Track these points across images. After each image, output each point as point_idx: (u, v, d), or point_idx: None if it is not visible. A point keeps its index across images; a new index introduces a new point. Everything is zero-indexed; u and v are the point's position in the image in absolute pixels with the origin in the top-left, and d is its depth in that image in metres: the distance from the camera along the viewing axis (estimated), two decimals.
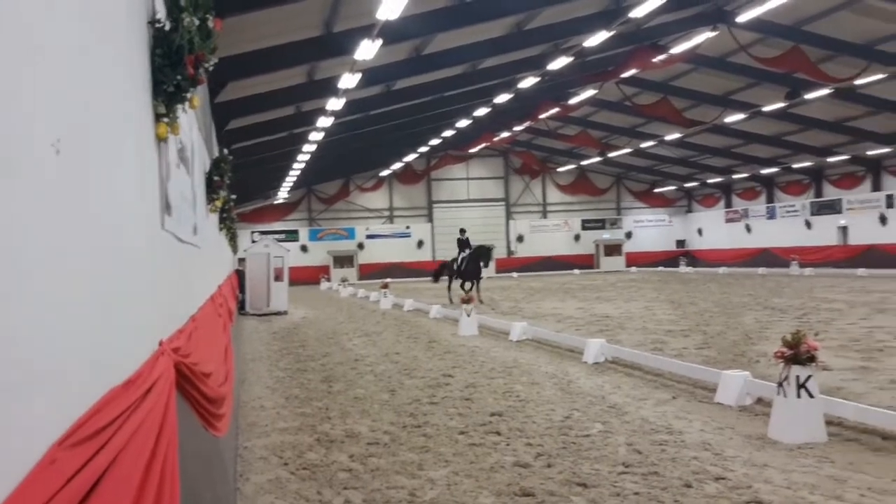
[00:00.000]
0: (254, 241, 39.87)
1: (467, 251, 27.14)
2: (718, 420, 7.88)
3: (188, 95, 3.36)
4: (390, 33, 17.89)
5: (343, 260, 54.29)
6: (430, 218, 57.81)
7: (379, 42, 17.66)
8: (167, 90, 3.18)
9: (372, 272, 52.79)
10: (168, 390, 2.56)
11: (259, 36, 17.06)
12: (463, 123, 36.88)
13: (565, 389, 9.88)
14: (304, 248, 54.47)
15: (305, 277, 49.69)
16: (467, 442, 7.34)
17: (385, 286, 28.99)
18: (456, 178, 57.96)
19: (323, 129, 26.62)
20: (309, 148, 30.51)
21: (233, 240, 20.79)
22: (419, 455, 6.94)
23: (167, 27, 3.22)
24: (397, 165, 51.37)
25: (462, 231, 29.19)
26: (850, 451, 6.59)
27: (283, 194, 47.90)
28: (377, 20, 16.16)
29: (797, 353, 6.97)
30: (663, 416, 8.12)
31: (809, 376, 6.98)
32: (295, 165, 35.91)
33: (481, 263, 26.53)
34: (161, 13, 3.30)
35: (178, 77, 3.19)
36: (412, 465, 6.62)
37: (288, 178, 41.27)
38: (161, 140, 3.37)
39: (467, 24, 21.43)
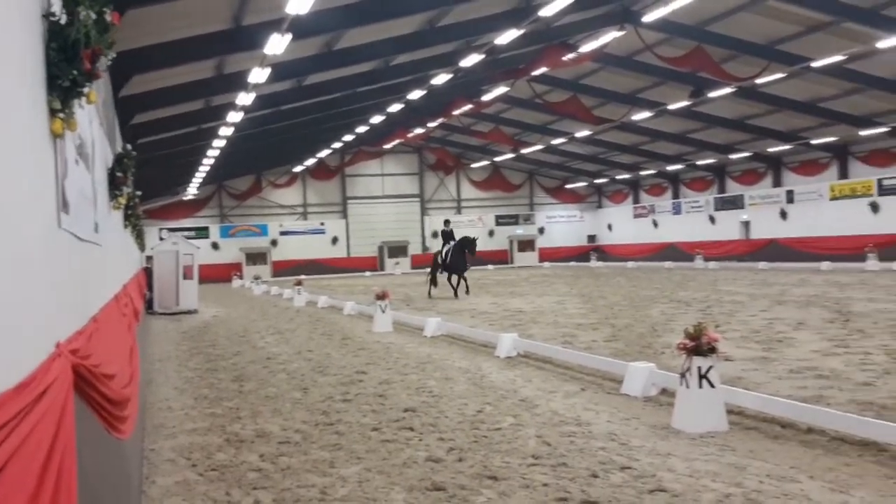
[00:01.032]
0: (162, 239, 38.92)
1: (452, 243, 26.53)
2: (625, 411, 8.09)
3: (85, 90, 3.27)
4: (301, 28, 17.71)
5: (256, 257, 53.48)
6: (344, 214, 57.47)
7: (289, 36, 17.46)
8: (62, 85, 3.09)
9: (286, 269, 52.15)
10: (65, 393, 2.50)
11: (165, 29, 16.66)
12: (377, 119, 36.77)
13: (478, 384, 9.98)
14: (215, 246, 53.43)
15: (217, 275, 48.75)
16: (380, 438, 7.35)
17: (299, 283, 28.70)
18: (370, 174, 57.77)
19: (233, 123, 26.16)
20: (219, 143, 29.95)
21: (140, 237, 20.24)
22: (331, 453, 6.92)
23: (62, 21, 3.13)
24: (311, 161, 50.88)
25: (446, 222, 28.82)
26: (750, 439, 6.85)
27: (192, 190, 46.85)
28: (287, 14, 15.97)
29: (699, 345, 7.20)
30: (572, 408, 8.30)
31: (710, 367, 7.22)
32: (204, 161, 35.19)
33: (467, 253, 25.95)
34: (56, 6, 3.20)
35: (74, 72, 3.10)
36: (324, 464, 6.59)
37: (198, 174, 40.42)
38: (57, 136, 3.27)
39: (379, 21, 21.37)
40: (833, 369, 9.74)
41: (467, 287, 26.49)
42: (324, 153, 48.59)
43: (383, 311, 17.05)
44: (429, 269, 28.34)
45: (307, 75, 26.27)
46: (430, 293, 26.94)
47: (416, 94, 31.09)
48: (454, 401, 8.95)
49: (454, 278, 26.38)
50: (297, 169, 53.25)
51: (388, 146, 50.28)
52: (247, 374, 11.73)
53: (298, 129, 36.35)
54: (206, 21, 17.65)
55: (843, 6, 25.09)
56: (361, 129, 39.70)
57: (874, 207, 38.34)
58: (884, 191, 38.24)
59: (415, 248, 58.02)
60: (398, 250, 56.62)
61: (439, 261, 26.80)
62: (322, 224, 56.65)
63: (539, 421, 7.76)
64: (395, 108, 33.81)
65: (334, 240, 56.61)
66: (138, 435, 6.67)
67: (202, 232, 53.09)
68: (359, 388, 10.02)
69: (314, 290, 30.71)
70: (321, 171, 54.21)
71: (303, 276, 34.33)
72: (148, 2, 14.20)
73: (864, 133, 37.07)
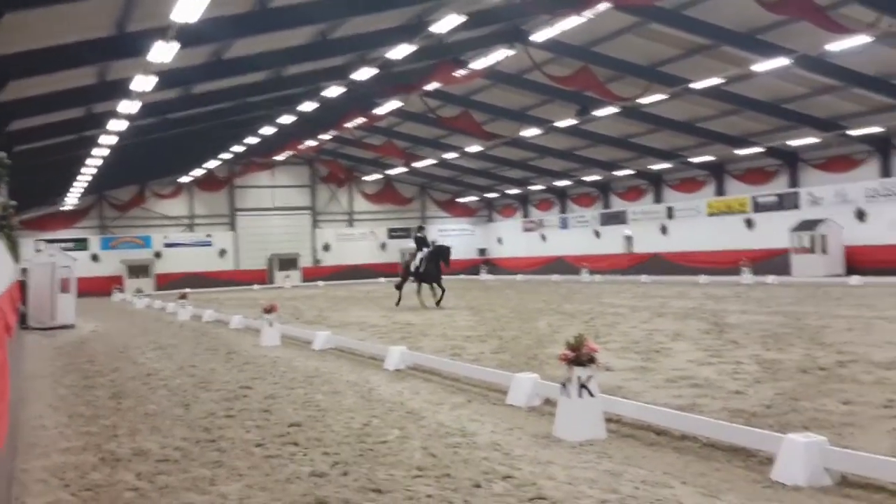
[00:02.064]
0: (38, 251, 37.25)
1: (425, 250, 25.48)
2: (509, 421, 8.23)
3: None
4: (189, 36, 17.36)
5: (138, 270, 51.82)
6: (232, 226, 56.41)
7: (175, 44, 17.07)
8: None
9: (170, 282, 50.66)
10: None
11: (44, 33, 16.06)
12: (267, 131, 36.32)
13: (366, 397, 9.96)
14: (94, 258, 51.53)
15: (97, 289, 46.92)
16: (263, 454, 7.24)
17: (183, 296, 27.94)
18: (261, 185, 56.95)
19: (116, 132, 25.36)
20: (100, 152, 28.99)
21: (13, 249, 19.32)
22: (212, 470, 6.76)
23: None
24: (198, 172, 49.73)
25: (420, 228, 27.91)
26: (627, 447, 7.07)
27: (72, 200, 45.07)
28: (173, 22, 15.62)
29: (579, 356, 7.39)
30: (458, 420, 8.38)
31: (590, 377, 7.42)
32: (85, 170, 33.97)
33: (441, 263, 25.16)
34: None
35: None
36: (204, 481, 6.44)
37: (77, 184, 38.93)
38: None
39: (269, 31, 21.17)
40: (707, 378, 10.15)
41: (441, 297, 25.26)
42: (212, 164, 47.59)
43: (271, 325, 16.79)
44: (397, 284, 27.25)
45: (195, 84, 25.75)
46: (398, 302, 26.29)
47: (308, 106, 30.89)
48: (341, 414, 8.90)
49: (424, 287, 25.49)
50: (184, 179, 51.96)
51: (279, 158, 49.69)
52: (125, 390, 11.34)
53: (186, 139, 35.55)
54: (88, 26, 17.10)
55: (721, 30, 26.35)
56: (252, 140, 39.13)
57: (749, 223, 40.27)
58: (758, 207, 40.23)
59: (305, 261, 57.49)
60: (288, 263, 55.96)
61: (411, 269, 25.74)
62: (209, 236, 55.43)
63: (425, 433, 7.81)
64: (287, 119, 33.48)
65: (222, 252, 55.47)
66: (9, 454, 6.37)
67: (81, 244, 51.14)
68: (243, 404, 9.83)
69: (200, 304, 29.95)
70: (209, 182, 53.10)
71: (188, 290, 33.45)
72: (26, 5, 13.65)
73: (739, 152, 38.93)
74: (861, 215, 34.74)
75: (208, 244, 55.31)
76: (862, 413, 7.78)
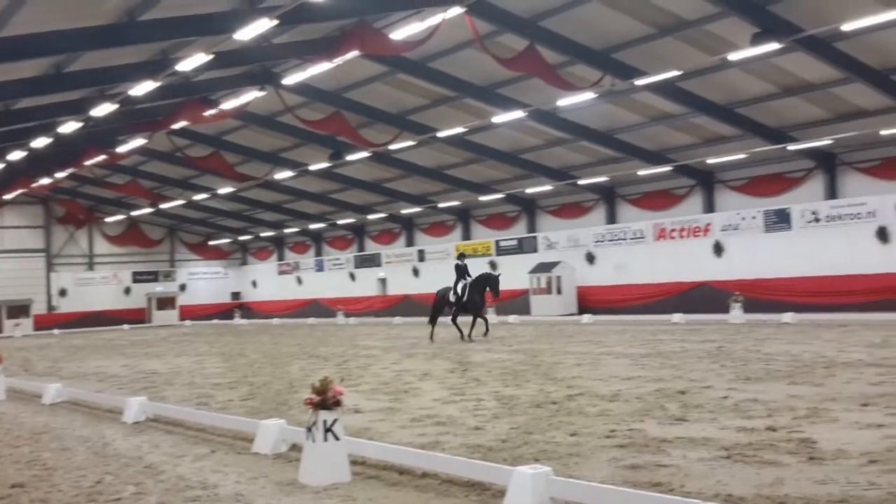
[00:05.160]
0: None
1: (468, 279, 23.77)
2: (254, 470, 8.08)
3: None
4: None
5: None
6: None
7: None
8: None
9: None
10: None
11: None
12: None
13: (99, 453, 9.37)
14: None
15: None
16: None
17: None
18: None
19: None
20: None
21: None
22: None
23: None
24: None
25: (461, 256, 25.44)
26: (371, 488, 7.18)
27: None
28: None
29: (324, 399, 7.45)
30: (200, 472, 8.10)
31: (336, 420, 7.49)
32: None
33: (487, 293, 23.51)
34: None
35: None
36: None
37: None
38: None
39: None
40: (450, 416, 10.55)
41: (487, 328, 23.92)
42: None
43: None
44: (431, 314, 25.18)
45: None
46: (431, 336, 24.47)
47: (41, 142, 28.78)
48: (70, 473, 8.30)
49: (460, 319, 24.12)
50: None
51: (8, 196, 45.66)
52: None
53: None
54: None
55: (464, 83, 27.85)
56: None
57: (493, 266, 42.41)
58: (500, 251, 42.53)
59: (39, 307, 53.00)
60: (19, 310, 51.34)
61: (451, 298, 23.96)
62: None
63: (163, 487, 7.48)
64: (17, 155, 30.97)
65: None
66: None
67: None
68: None
69: None
70: None
71: None
72: None
73: (483, 198, 41.08)
74: (591, 258, 37.78)
75: None
76: (586, 443, 8.41)
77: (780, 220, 31.19)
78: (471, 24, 20.51)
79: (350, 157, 35.26)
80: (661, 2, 21.86)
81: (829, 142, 28.39)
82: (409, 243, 49.02)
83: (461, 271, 24.34)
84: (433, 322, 24.91)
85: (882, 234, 28.24)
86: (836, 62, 23.10)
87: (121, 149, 34.12)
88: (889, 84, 24.13)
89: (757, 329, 23.33)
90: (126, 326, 50.63)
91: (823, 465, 6.88)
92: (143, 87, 23.00)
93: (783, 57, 23.25)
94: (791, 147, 29.26)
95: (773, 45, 21.29)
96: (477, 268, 28.26)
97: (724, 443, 7.94)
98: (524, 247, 41.30)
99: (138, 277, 57.68)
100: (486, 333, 23.91)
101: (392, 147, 32.54)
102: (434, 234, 47.52)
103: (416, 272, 47.25)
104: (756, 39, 21.20)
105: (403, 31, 22.05)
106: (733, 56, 22.67)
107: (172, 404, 12.25)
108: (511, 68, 23.71)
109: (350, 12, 21.91)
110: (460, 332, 24.06)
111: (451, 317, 24.86)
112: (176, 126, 30.73)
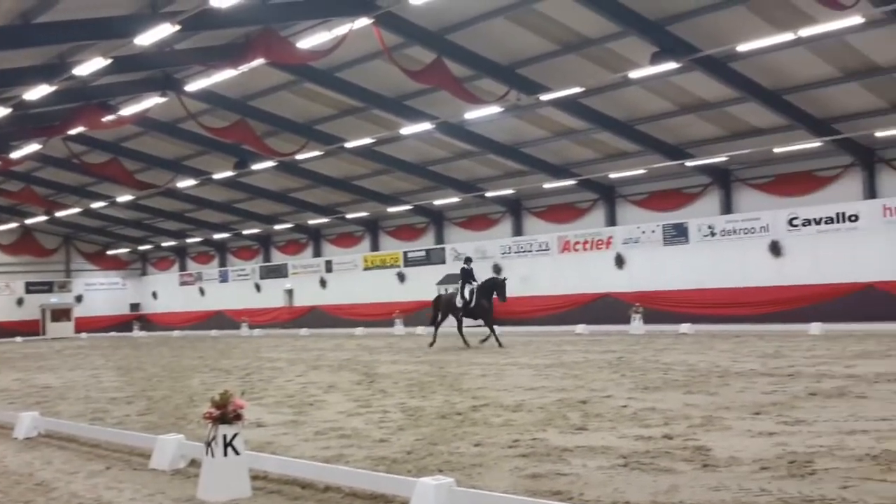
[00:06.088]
0: None
1: (474, 283, 22.91)
2: (151, 486, 7.85)
3: None
4: None
5: None
6: None
7: None
8: None
9: None
10: None
11: None
12: None
13: None
14: None
15: None
16: None
17: None
18: None
19: None
20: None
21: None
22: None
23: None
24: None
25: (468, 260, 24.32)
26: (272, 503, 7.07)
27: None
28: None
29: (224, 413, 7.29)
30: (94, 489, 7.82)
31: (236, 434, 7.34)
32: None
33: (495, 298, 22.80)
34: None
35: None
36: None
37: None
38: None
39: None
40: (355, 428, 10.48)
41: (496, 338, 23.02)
42: None
43: None
44: (432, 318, 24.45)
45: None
46: (434, 339, 23.75)
47: None
48: None
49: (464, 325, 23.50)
50: None
51: None
52: None
53: None
54: None
55: (372, 94, 27.83)
56: None
57: (401, 277, 42.42)
58: (408, 262, 42.56)
59: None
60: None
61: (459, 303, 23.25)
62: None
63: None
64: None
65: None
66: None
67: None
68: None
69: None
70: None
71: None
72: None
73: (391, 210, 41.06)
74: (498, 270, 38.17)
75: None
76: (490, 453, 8.46)
77: (678, 233, 32.23)
78: (378, 35, 20.54)
79: (256, 167, 34.75)
80: (565, 20, 22.37)
81: (725, 159, 29.56)
82: (317, 254, 48.58)
83: (467, 275, 23.71)
84: (436, 326, 24.51)
85: (775, 248, 29.49)
86: (732, 82, 24.08)
87: (14, 154, 32.76)
88: (781, 104, 25.26)
89: (656, 339, 24.01)
90: (19, 339, 48.58)
91: (717, 472, 7.10)
92: (38, 91, 22.18)
93: (681, 76, 24.09)
94: (688, 163, 30.28)
95: (672, 65, 22.06)
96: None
97: (622, 451, 8.12)
98: (432, 258, 41.43)
99: (32, 288, 55.41)
100: (498, 342, 23.18)
101: (299, 157, 32.23)
102: (342, 244, 47.22)
103: (323, 283, 46.83)
104: (655, 58, 21.91)
105: (310, 41, 21.92)
106: (634, 74, 23.38)
107: (66, 419, 11.81)
108: (419, 80, 23.84)
109: (254, 19, 21.66)
110: (465, 342, 23.72)
111: (456, 324, 24.32)
112: (73, 132, 29.70)
